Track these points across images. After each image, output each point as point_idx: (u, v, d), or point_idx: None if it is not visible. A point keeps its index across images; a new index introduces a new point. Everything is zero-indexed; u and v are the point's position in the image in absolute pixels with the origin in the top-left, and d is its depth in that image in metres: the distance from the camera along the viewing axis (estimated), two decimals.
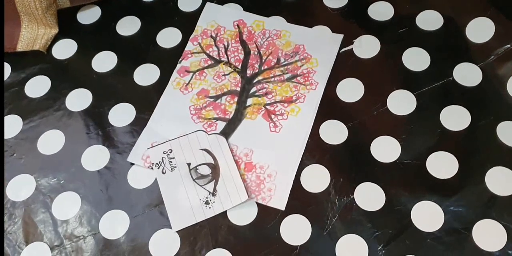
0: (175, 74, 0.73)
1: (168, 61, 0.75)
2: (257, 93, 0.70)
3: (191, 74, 0.72)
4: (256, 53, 0.73)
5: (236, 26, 0.76)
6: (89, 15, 0.81)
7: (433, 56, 0.70)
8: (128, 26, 0.79)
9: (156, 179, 0.65)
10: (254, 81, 0.71)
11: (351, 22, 0.74)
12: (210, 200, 0.63)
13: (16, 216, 0.65)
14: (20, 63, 0.77)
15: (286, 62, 0.72)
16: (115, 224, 0.64)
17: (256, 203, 0.63)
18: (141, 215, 0.63)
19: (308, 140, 0.66)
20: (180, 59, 0.74)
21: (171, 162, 0.66)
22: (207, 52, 0.74)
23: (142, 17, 0.79)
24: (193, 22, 0.78)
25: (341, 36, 0.73)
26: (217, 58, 0.73)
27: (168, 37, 0.77)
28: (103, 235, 0.63)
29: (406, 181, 0.62)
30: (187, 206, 0.63)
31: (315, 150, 0.65)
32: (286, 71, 0.71)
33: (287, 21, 0.76)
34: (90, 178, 0.67)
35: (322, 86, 0.69)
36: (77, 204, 0.65)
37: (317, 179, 0.63)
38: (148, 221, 0.63)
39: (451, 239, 0.58)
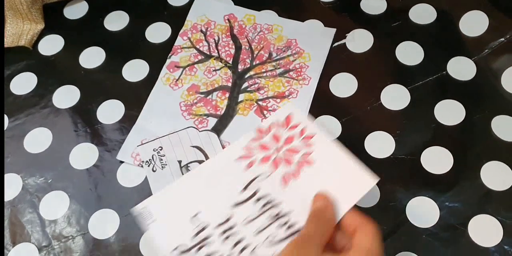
0: (164, 70, 0.72)
1: (157, 56, 0.74)
2: (249, 89, 0.69)
3: (181, 69, 0.72)
4: (247, 47, 0.73)
5: (227, 21, 0.75)
6: (76, 10, 0.80)
7: (426, 50, 0.70)
8: (116, 21, 0.78)
9: (146, 177, 0.64)
10: (246, 76, 0.70)
11: (344, 16, 0.74)
12: None
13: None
14: (5, 60, 0.76)
15: (278, 57, 0.71)
16: (104, 224, 0.63)
17: None
18: (131, 214, 0.62)
19: None
20: (169, 54, 0.73)
21: (162, 159, 0.65)
22: (197, 47, 0.73)
23: (130, 11, 0.79)
24: (182, 17, 0.77)
25: (333, 30, 0.73)
26: (208, 53, 0.73)
27: (157, 32, 0.76)
28: (93, 235, 0.62)
29: (401, 176, 0.62)
30: None
31: None
32: (278, 66, 0.71)
33: (279, 15, 0.75)
34: (78, 177, 0.66)
35: (315, 81, 0.69)
36: (65, 204, 0.64)
37: None
38: (138, 220, 0.59)
39: (447, 235, 0.58)
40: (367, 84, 0.68)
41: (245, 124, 0.67)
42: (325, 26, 0.73)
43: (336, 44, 0.72)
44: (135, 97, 0.71)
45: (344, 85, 0.68)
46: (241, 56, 0.72)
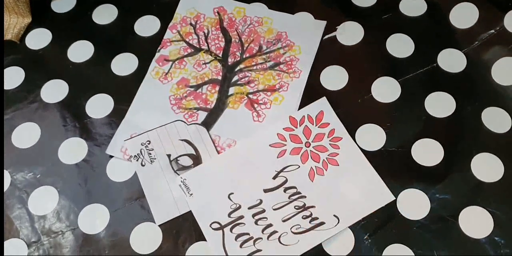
0: (154, 63, 0.72)
1: (146, 50, 0.74)
2: (239, 82, 0.69)
3: (171, 63, 0.72)
4: (237, 40, 0.72)
5: (216, 13, 0.75)
6: (64, 4, 0.79)
7: (417, 42, 0.70)
8: (105, 14, 0.78)
9: (136, 172, 0.64)
10: (236, 69, 0.70)
11: (334, 8, 0.74)
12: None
13: None
14: None
15: (268, 50, 0.71)
16: (94, 219, 0.63)
17: None
18: (122, 209, 0.63)
19: None
20: (159, 48, 0.73)
21: (150, 154, 0.65)
22: (187, 40, 0.73)
23: (118, 5, 0.78)
24: (171, 10, 0.77)
25: (324, 22, 0.72)
26: (197, 46, 0.73)
27: (146, 26, 0.76)
28: (83, 230, 0.62)
29: (392, 169, 0.62)
30: (170, 199, 0.62)
31: None
32: (269, 59, 0.70)
33: (269, 8, 0.75)
34: (67, 172, 0.66)
35: (306, 74, 0.69)
36: (54, 199, 0.64)
37: None
38: (129, 215, 0.62)
39: (437, 227, 0.58)
40: (358, 77, 0.68)
41: (236, 117, 0.67)
42: (315, 18, 0.73)
43: (326, 36, 0.72)
44: (124, 91, 0.70)
45: (334, 78, 0.68)
46: (231, 49, 0.72)
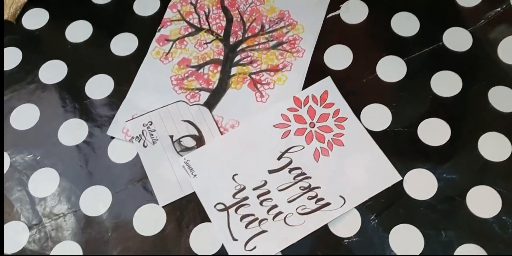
0: (154, 43, 0.68)
1: (146, 29, 0.70)
2: (241, 62, 0.65)
3: (171, 42, 0.68)
4: (239, 19, 0.68)
5: None
6: None
7: (422, 20, 0.66)
8: None
9: (138, 153, 0.61)
10: (238, 49, 0.66)
11: None
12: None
13: None
14: None
15: (271, 29, 0.67)
16: (96, 201, 0.60)
17: None
18: (124, 190, 0.60)
19: None
20: (159, 28, 0.69)
21: (152, 135, 0.61)
22: (187, 19, 0.69)
23: None
24: None
25: (327, 1, 0.69)
26: (198, 25, 0.69)
27: (145, 5, 0.72)
28: (84, 212, 0.59)
29: (398, 149, 0.59)
30: (173, 180, 0.59)
31: None
32: (271, 38, 0.67)
33: None
34: (68, 153, 0.63)
35: (309, 54, 0.65)
36: (55, 181, 0.61)
37: None
38: (131, 196, 0.59)
39: (445, 207, 0.55)
40: (363, 56, 0.65)
41: (238, 98, 0.63)
42: None
43: (330, 15, 0.68)
44: (124, 72, 0.67)
45: (339, 57, 0.65)
46: (232, 28, 0.68)
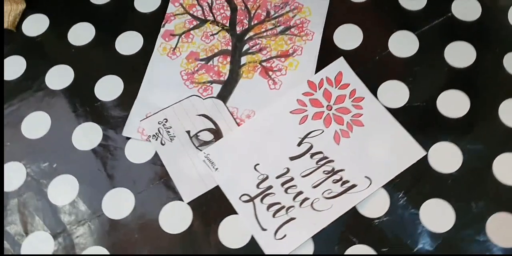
0: (160, 39, 0.71)
1: (150, 26, 0.73)
2: (250, 50, 0.69)
3: (177, 37, 0.71)
4: (243, 8, 0.72)
5: None
6: None
7: None
8: None
9: (156, 151, 0.64)
10: (246, 37, 0.70)
11: None
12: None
13: (10, 207, 0.64)
14: None
15: (276, 14, 0.71)
16: (119, 203, 0.63)
17: None
18: (146, 190, 0.63)
19: None
20: (163, 23, 0.73)
21: (169, 132, 0.65)
22: (191, 12, 0.73)
23: None
24: None
25: None
26: (203, 17, 0.72)
27: (146, 1, 0.75)
28: (108, 215, 0.62)
29: (419, 124, 0.62)
30: (195, 175, 0.62)
31: None
32: (278, 24, 0.70)
33: None
34: (84, 158, 0.66)
35: (319, 36, 0.68)
36: (74, 187, 0.64)
37: None
38: (154, 195, 0.62)
39: (472, 178, 0.59)
40: (373, 34, 0.68)
41: (251, 87, 0.66)
42: None
43: None
44: (133, 71, 0.70)
45: (349, 37, 0.68)
46: (237, 17, 0.71)
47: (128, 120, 0.66)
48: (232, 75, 0.67)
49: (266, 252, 0.58)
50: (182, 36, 0.71)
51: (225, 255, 0.59)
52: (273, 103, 0.65)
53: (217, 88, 0.67)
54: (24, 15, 0.77)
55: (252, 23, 0.70)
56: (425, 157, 0.60)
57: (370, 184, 0.59)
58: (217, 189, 0.62)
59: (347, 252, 0.57)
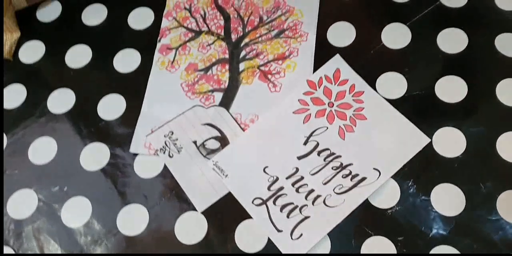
0: (157, 54, 0.80)
1: (146, 42, 0.82)
2: (247, 56, 0.77)
3: (174, 50, 0.80)
4: (236, 16, 0.81)
5: None
6: (49, 12, 0.88)
7: None
8: (94, 14, 0.86)
9: (165, 164, 0.72)
10: (241, 44, 0.78)
11: None
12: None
13: (26, 234, 0.71)
14: None
15: (269, 19, 0.80)
16: (133, 220, 0.70)
17: None
18: (159, 204, 0.70)
19: None
20: (158, 38, 0.81)
21: (176, 144, 0.72)
22: (185, 25, 0.82)
23: (106, 2, 0.87)
24: None
25: None
26: (197, 29, 0.81)
27: (139, 18, 0.84)
28: (124, 233, 0.69)
29: (420, 112, 0.71)
30: (206, 184, 0.70)
31: None
32: (272, 28, 0.79)
33: None
34: (95, 179, 0.73)
35: (313, 36, 0.77)
36: (87, 208, 0.71)
37: None
38: (168, 208, 0.70)
39: (478, 160, 0.67)
40: (365, 29, 0.78)
41: (252, 92, 0.75)
42: None
43: None
44: (134, 87, 0.78)
45: (342, 34, 0.78)
46: (231, 25, 0.80)
47: (134, 137, 0.74)
48: (232, 82, 0.76)
49: (284, 253, 0.65)
50: (179, 49, 0.80)
51: None
52: (275, 105, 0.73)
53: (218, 96, 0.75)
54: (19, 43, 0.85)
55: (247, 30, 0.79)
56: (430, 144, 0.68)
57: (380, 175, 0.67)
58: (229, 196, 0.69)
59: (364, 244, 0.64)
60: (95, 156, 0.75)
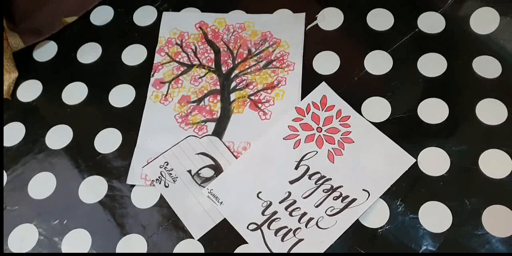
0: (151, 88, 0.90)
1: (140, 77, 0.91)
2: (238, 87, 0.87)
3: (167, 84, 0.90)
4: (225, 49, 0.91)
5: (199, 28, 0.95)
6: (45, 52, 0.98)
7: (395, 12, 0.90)
8: (89, 53, 0.96)
9: (161, 194, 0.80)
10: (232, 76, 0.89)
11: None
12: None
13: None
14: None
15: (257, 51, 0.90)
16: (132, 249, 0.77)
17: None
18: (156, 233, 0.77)
19: None
20: (152, 73, 0.91)
21: (171, 174, 0.81)
22: (177, 59, 0.92)
23: (100, 41, 0.97)
24: (154, 35, 0.96)
25: (303, 14, 0.93)
26: (189, 63, 0.91)
27: (133, 55, 0.95)
28: None
29: (405, 134, 0.79)
30: (201, 212, 0.78)
31: None
32: (260, 60, 0.89)
33: (247, 12, 0.95)
34: (93, 211, 0.80)
35: (300, 65, 0.88)
36: (87, 240, 0.78)
37: None
38: (165, 237, 0.77)
39: (462, 177, 0.75)
40: (349, 57, 0.87)
41: (244, 121, 0.84)
42: (294, 12, 0.93)
43: (309, 26, 0.92)
44: (129, 121, 0.87)
45: (327, 62, 0.88)
46: (222, 58, 0.91)
47: (130, 169, 0.82)
48: (224, 112, 0.85)
49: None
50: (172, 82, 0.90)
51: None
52: (266, 132, 0.82)
53: (211, 126, 0.84)
54: (17, 83, 0.95)
55: (236, 62, 0.90)
56: (415, 164, 0.76)
57: (369, 196, 0.75)
58: (224, 222, 0.76)
59: None
60: (93, 189, 0.83)
